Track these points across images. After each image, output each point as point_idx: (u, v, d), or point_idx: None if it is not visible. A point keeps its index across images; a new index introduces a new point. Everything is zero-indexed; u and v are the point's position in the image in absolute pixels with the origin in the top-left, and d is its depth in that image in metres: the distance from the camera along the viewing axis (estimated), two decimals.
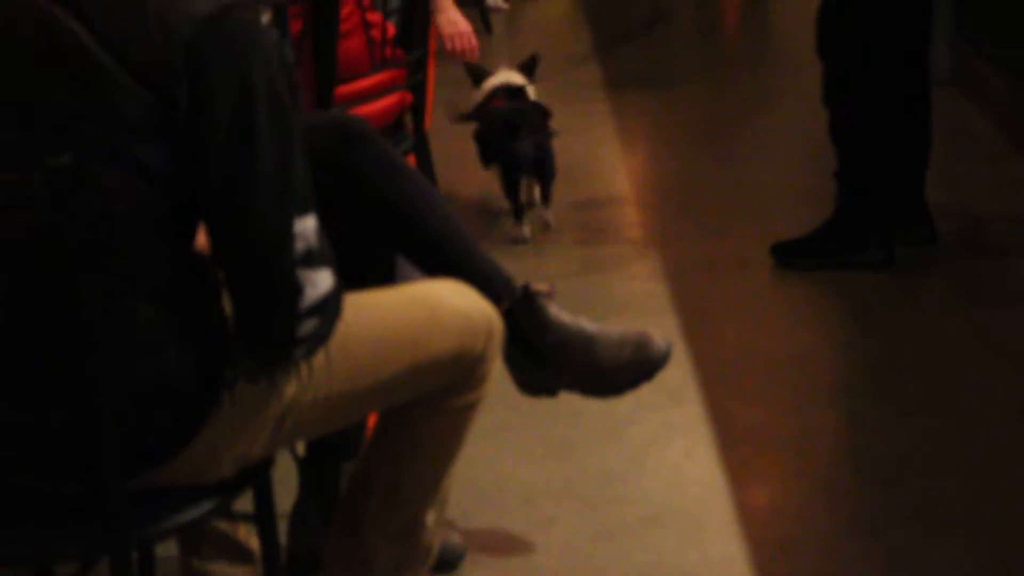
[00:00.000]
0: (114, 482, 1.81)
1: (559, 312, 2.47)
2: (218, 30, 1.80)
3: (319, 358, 1.96)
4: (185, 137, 1.80)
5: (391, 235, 2.40)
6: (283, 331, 1.85)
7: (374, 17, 3.39)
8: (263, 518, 2.05)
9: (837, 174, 4.00)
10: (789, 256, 4.04)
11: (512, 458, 3.04)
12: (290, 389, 1.96)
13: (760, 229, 4.27)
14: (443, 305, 2.17)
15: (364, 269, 2.28)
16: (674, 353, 2.50)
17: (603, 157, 5.25)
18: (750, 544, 2.68)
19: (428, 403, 2.19)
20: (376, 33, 3.35)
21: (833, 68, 3.90)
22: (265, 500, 2.04)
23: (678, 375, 3.31)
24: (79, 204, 1.74)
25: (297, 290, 1.83)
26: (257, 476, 2.00)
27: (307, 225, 1.85)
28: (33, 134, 1.78)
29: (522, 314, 2.44)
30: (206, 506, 1.92)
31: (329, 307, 1.87)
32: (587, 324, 2.47)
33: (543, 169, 4.31)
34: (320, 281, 1.84)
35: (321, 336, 1.89)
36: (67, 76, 1.78)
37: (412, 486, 2.26)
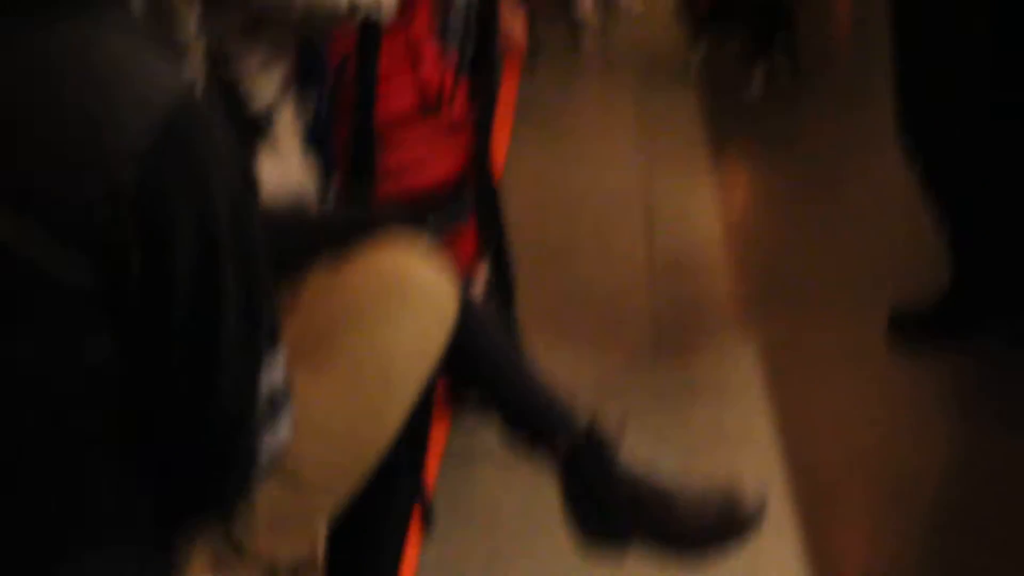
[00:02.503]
0: None
1: (631, 462, 2.07)
2: (168, 159, 1.35)
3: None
4: (138, 311, 1.38)
5: None
6: (231, 498, 1.57)
7: (428, 70, 2.90)
8: None
9: (948, 242, 3.48)
10: (906, 330, 3.52)
11: None
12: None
13: (871, 306, 3.73)
14: (393, 361, 1.82)
15: None
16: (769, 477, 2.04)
17: (695, 204, 4.74)
18: None
19: None
20: (428, 73, 2.87)
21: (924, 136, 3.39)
22: None
23: (772, 498, 2.80)
24: None
25: (253, 460, 1.54)
26: None
27: (275, 378, 1.53)
28: None
29: (587, 460, 2.05)
30: None
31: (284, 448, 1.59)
32: (664, 478, 2.06)
33: None
34: (281, 427, 1.58)
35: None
36: None
37: None
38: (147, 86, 1.35)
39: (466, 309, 1.98)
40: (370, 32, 2.49)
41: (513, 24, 4.13)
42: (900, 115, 3.42)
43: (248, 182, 1.54)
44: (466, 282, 3.09)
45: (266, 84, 2.30)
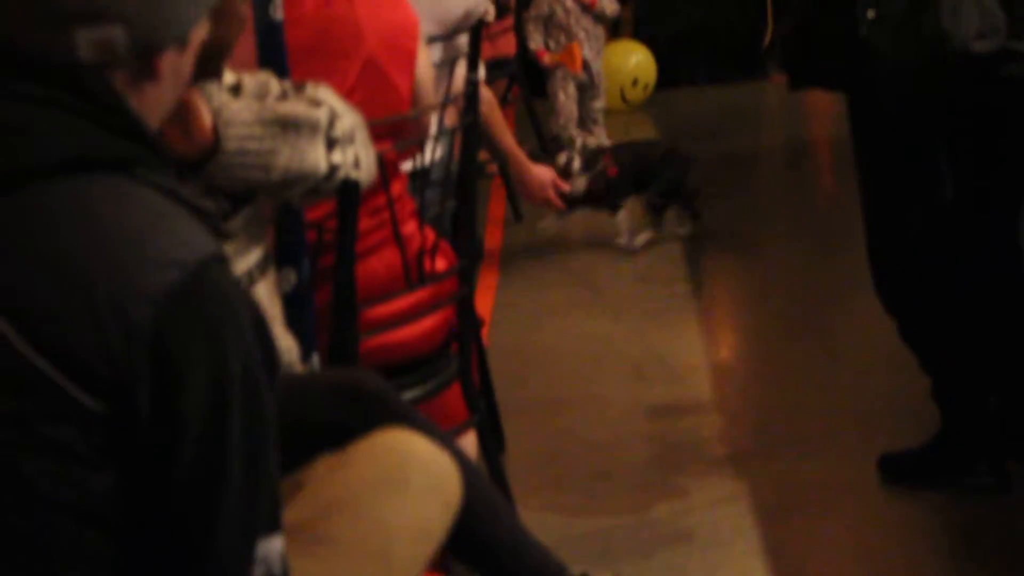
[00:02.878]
0: None
1: None
2: (186, 308, 1.41)
3: None
4: (144, 455, 1.41)
5: None
6: None
7: (409, 228, 2.94)
8: None
9: (932, 392, 3.50)
10: (897, 473, 3.53)
11: None
12: None
13: (862, 445, 3.73)
14: (395, 542, 1.85)
15: None
16: None
17: (682, 349, 4.76)
18: None
19: None
20: (412, 244, 2.91)
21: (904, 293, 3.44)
22: None
23: None
24: None
25: None
26: None
27: (272, 548, 1.50)
28: None
29: None
30: None
31: None
32: None
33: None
34: None
35: None
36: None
37: None
38: (177, 241, 1.43)
39: (467, 488, 2.01)
40: (349, 193, 2.50)
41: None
42: (873, 273, 3.47)
43: (269, 362, 1.52)
44: (453, 436, 3.11)
45: (242, 264, 2.31)
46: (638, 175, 5.88)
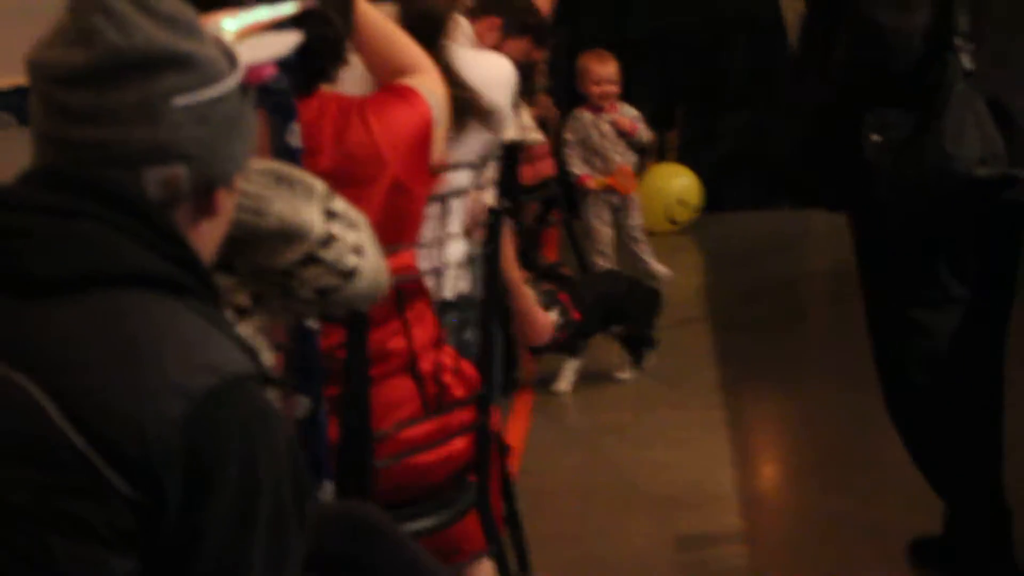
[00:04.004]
0: None
1: None
2: (222, 410, 1.48)
3: None
4: (167, 547, 1.45)
5: None
6: None
7: (430, 356, 2.92)
8: None
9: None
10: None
11: None
12: None
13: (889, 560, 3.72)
14: None
15: None
16: None
17: (714, 481, 4.71)
18: None
19: None
20: (427, 368, 2.89)
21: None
22: None
23: None
24: None
25: None
26: None
27: None
28: None
29: None
30: None
31: None
32: None
33: None
34: None
35: None
36: (32, 468, 1.44)
37: None
38: (221, 354, 1.53)
39: None
40: (358, 321, 2.49)
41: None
42: (884, 396, 3.54)
43: (299, 489, 1.57)
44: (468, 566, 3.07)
45: None
46: (605, 313, 5.67)
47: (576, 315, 5.46)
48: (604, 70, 7.13)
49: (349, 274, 2.29)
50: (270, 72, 1.79)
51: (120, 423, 1.44)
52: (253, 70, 1.72)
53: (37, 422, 1.44)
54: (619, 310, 5.71)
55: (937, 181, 3.14)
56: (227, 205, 1.71)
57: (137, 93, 1.57)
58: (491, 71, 3.56)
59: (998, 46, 3.17)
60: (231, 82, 1.65)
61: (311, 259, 2.26)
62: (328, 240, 2.27)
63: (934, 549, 3.75)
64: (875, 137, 3.19)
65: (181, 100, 1.59)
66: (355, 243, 2.31)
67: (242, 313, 2.30)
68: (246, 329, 2.30)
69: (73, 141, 1.58)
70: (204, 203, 1.66)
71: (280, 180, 2.25)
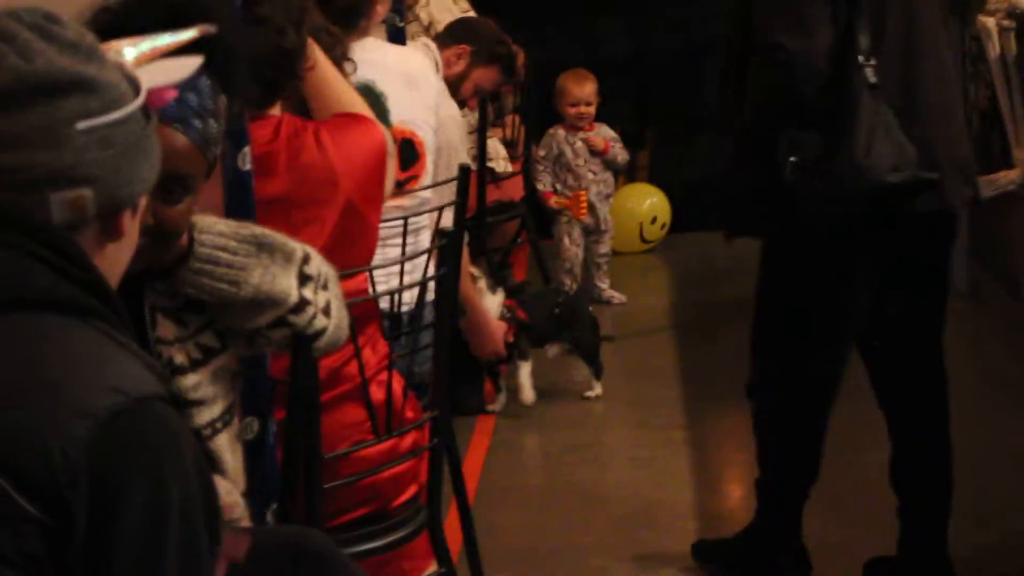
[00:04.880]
0: None
1: None
2: (127, 430, 1.47)
3: None
4: (76, 572, 1.44)
5: None
6: None
7: (380, 378, 2.94)
8: None
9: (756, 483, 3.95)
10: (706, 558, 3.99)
11: None
12: None
13: None
14: None
15: None
16: None
17: (674, 500, 4.73)
18: None
19: None
20: (379, 393, 2.91)
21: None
22: None
23: None
24: None
25: None
26: None
27: None
28: None
29: None
30: None
31: None
32: None
33: None
34: None
35: None
36: None
37: None
38: (126, 375, 1.52)
39: None
40: (303, 346, 2.49)
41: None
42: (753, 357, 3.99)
43: (210, 508, 1.56)
44: None
45: (205, 415, 2.32)
46: (553, 324, 5.64)
47: (521, 314, 5.46)
48: (582, 91, 7.10)
49: (315, 335, 2.40)
50: (172, 96, 1.82)
51: (25, 446, 1.43)
52: (154, 93, 1.73)
53: None
54: (563, 324, 5.70)
55: (853, 193, 3.30)
56: (132, 228, 1.70)
57: (41, 117, 1.58)
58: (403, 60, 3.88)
59: (895, 59, 3.36)
60: (134, 105, 1.66)
61: (281, 322, 2.35)
62: (300, 305, 2.36)
63: (890, 569, 3.79)
64: (792, 159, 3.28)
65: (85, 124, 1.60)
66: (324, 303, 2.39)
67: (207, 353, 2.33)
68: (210, 368, 2.33)
69: None
70: (110, 226, 1.66)
71: (261, 248, 2.31)
